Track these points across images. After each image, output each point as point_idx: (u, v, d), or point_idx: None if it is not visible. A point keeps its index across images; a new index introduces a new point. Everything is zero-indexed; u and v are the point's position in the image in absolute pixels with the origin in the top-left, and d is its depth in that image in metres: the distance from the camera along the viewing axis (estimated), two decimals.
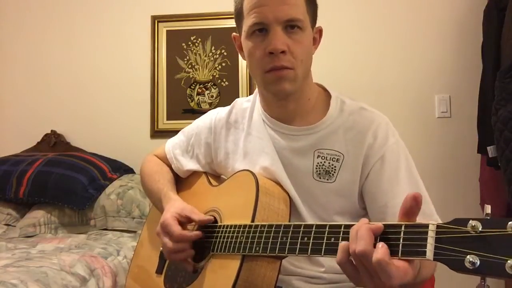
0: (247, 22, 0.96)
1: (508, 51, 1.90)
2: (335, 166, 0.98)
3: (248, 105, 1.12)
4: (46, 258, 1.58)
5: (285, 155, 1.01)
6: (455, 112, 2.36)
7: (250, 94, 1.22)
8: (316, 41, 1.03)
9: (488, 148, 1.95)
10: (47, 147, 2.59)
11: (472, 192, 2.24)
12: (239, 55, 1.06)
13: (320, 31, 1.04)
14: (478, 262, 0.54)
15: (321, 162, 0.98)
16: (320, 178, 0.98)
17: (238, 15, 1.01)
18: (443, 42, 2.39)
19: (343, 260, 0.66)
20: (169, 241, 0.97)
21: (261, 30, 0.94)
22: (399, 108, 2.37)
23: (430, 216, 0.93)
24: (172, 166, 1.22)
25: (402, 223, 0.63)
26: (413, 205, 0.63)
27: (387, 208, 0.93)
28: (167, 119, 2.57)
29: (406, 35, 2.42)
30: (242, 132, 1.10)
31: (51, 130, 2.64)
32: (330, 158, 0.98)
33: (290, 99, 1.00)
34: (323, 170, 0.98)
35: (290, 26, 0.93)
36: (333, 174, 0.98)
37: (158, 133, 2.56)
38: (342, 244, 0.67)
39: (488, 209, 0.58)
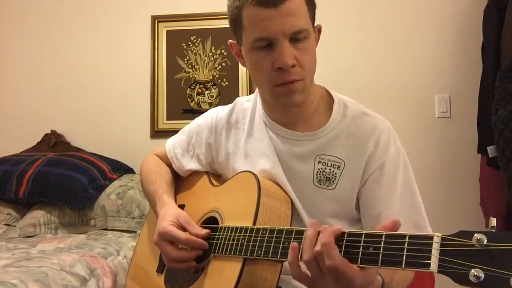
0: (250, 35, 0.91)
1: (508, 51, 1.90)
2: (335, 173, 0.97)
3: (249, 105, 1.12)
4: (46, 258, 1.58)
5: (285, 159, 1.01)
6: (455, 112, 2.36)
7: (250, 94, 1.21)
8: (316, 40, 1.02)
9: (488, 148, 1.95)
10: (47, 147, 2.59)
11: (472, 192, 2.24)
12: None
13: (319, 30, 1.02)
14: (483, 276, 0.54)
15: (322, 168, 0.97)
16: (320, 184, 0.97)
17: (236, 24, 0.95)
18: (443, 42, 2.39)
19: (292, 261, 0.73)
20: (172, 249, 0.95)
21: (266, 43, 0.91)
22: (399, 108, 2.37)
23: (423, 228, 0.94)
24: (173, 165, 1.22)
25: (407, 233, 0.63)
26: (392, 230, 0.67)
27: (381, 217, 0.92)
28: (167, 119, 2.57)
29: (406, 35, 2.42)
30: (243, 133, 1.09)
31: (51, 130, 2.64)
32: (331, 164, 0.97)
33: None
34: (324, 177, 0.97)
35: (296, 37, 0.90)
36: (333, 181, 0.97)
37: (158, 133, 2.56)
38: (293, 244, 0.74)
39: (493, 222, 0.57)
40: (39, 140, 2.64)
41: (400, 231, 0.83)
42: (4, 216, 2.22)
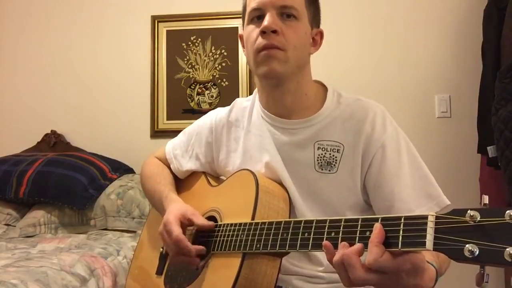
0: (248, 9, 1.01)
1: (508, 51, 1.90)
2: (336, 157, 0.98)
3: (248, 104, 1.14)
4: (46, 258, 1.58)
5: (285, 150, 1.02)
6: (455, 112, 2.37)
7: (250, 94, 1.23)
8: (316, 43, 1.05)
9: (488, 148, 1.95)
10: (47, 147, 2.60)
11: (472, 192, 2.24)
12: (239, 55, 1.07)
13: (321, 33, 1.05)
14: (477, 251, 0.55)
15: (322, 154, 0.99)
16: (322, 169, 0.99)
17: (244, 8, 1.04)
18: (443, 42, 2.39)
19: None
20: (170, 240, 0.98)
21: (259, 17, 0.98)
22: (399, 108, 2.36)
23: (437, 197, 0.96)
24: (171, 166, 1.23)
25: (402, 215, 0.65)
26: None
27: (394, 194, 0.93)
28: (167, 119, 2.57)
29: (406, 35, 2.42)
30: (242, 131, 1.11)
31: (51, 130, 2.64)
32: (331, 149, 0.99)
33: (285, 90, 1.01)
34: (325, 162, 0.99)
35: (286, 13, 0.96)
36: (334, 165, 0.98)
37: (158, 133, 2.56)
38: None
39: (485, 199, 0.59)
40: (39, 140, 2.64)
41: (414, 204, 0.88)
42: (4, 216, 2.22)
